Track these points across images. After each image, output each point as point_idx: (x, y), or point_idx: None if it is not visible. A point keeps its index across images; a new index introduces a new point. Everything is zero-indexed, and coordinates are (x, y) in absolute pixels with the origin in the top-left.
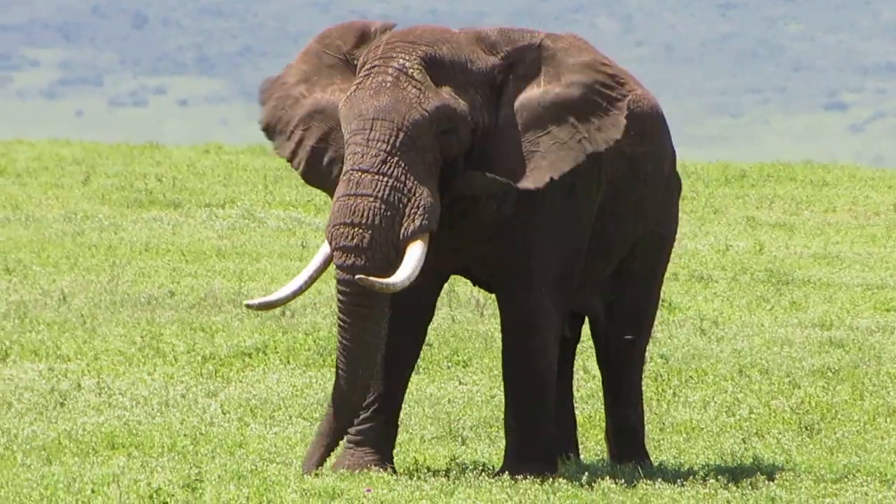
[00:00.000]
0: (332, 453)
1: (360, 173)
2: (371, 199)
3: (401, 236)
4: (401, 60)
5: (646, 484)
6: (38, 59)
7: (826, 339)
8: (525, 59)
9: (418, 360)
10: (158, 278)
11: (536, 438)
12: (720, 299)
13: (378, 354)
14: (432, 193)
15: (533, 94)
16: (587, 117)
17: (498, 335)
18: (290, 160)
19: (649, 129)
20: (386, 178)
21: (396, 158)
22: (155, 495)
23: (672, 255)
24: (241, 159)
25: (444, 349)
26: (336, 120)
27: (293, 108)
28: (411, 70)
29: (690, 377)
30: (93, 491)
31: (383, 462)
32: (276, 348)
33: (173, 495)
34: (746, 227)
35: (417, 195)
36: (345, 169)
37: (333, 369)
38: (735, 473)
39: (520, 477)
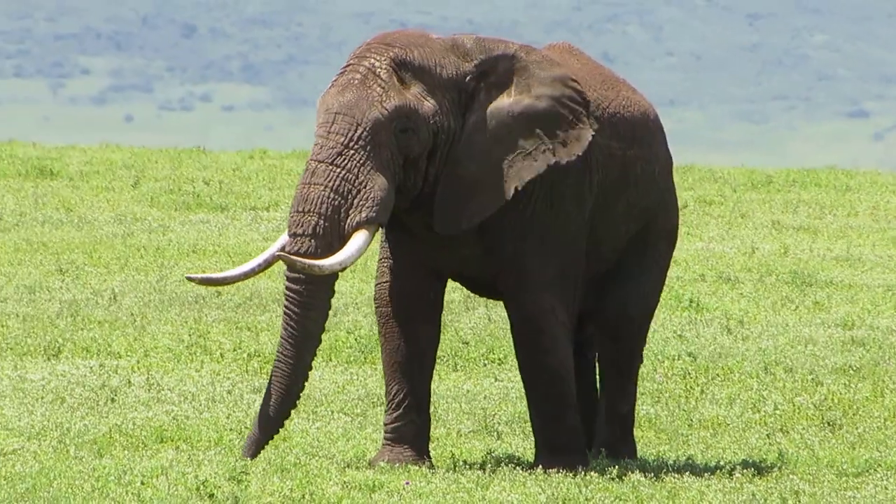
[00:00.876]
0: (273, 439)
1: (316, 163)
2: (322, 187)
3: (346, 226)
4: (372, 60)
5: (674, 477)
6: (90, 66)
7: (848, 339)
8: (498, 68)
9: (456, 358)
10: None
11: (562, 432)
12: (746, 300)
13: (318, 343)
14: (384, 188)
15: (503, 103)
16: (553, 130)
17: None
18: None
19: (639, 133)
20: (338, 170)
21: (352, 152)
22: (202, 487)
23: (702, 258)
24: (284, 164)
25: (480, 347)
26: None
27: None
28: (379, 70)
29: (717, 375)
30: (142, 483)
31: (421, 457)
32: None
33: (220, 487)
34: (772, 230)
35: (368, 188)
36: (307, 161)
37: (373, 366)
38: (760, 467)
39: (553, 470)
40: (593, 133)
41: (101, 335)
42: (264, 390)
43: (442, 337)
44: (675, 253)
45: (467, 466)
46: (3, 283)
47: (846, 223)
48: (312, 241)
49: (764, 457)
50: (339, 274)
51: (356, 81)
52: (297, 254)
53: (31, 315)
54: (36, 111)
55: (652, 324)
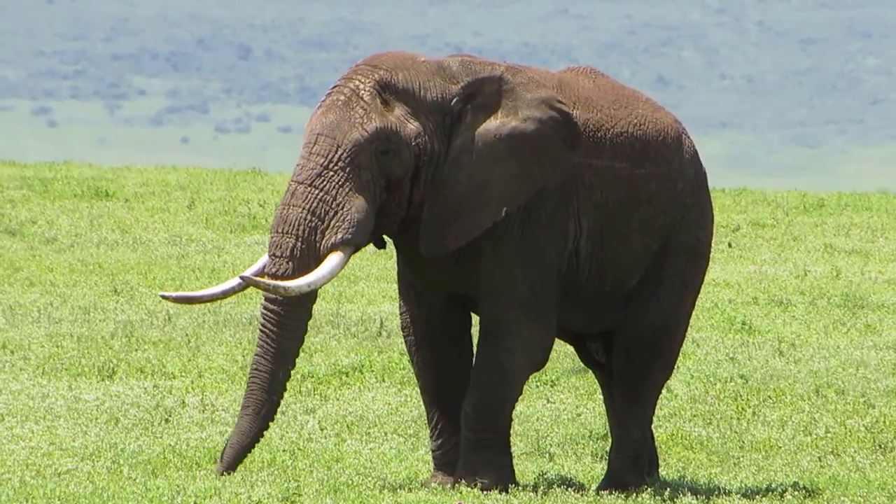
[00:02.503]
0: (248, 454)
1: (296, 184)
2: (300, 209)
3: (321, 247)
4: (357, 82)
5: (725, 500)
6: (146, 87)
7: None
8: (484, 90)
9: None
10: (260, 300)
11: (492, 434)
12: (798, 322)
13: (293, 363)
14: (362, 210)
15: (490, 125)
16: (540, 153)
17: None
18: None
19: (653, 151)
20: (316, 191)
21: (331, 173)
22: None
23: (754, 281)
24: None
25: None
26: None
27: None
28: (363, 92)
29: (769, 397)
30: (195, 503)
31: None
32: (371, 367)
33: None
34: (824, 253)
35: (345, 209)
36: (289, 181)
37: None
38: (811, 490)
39: (476, 469)
40: (580, 156)
41: (156, 356)
42: (240, 413)
43: None
44: (727, 276)
45: (520, 488)
46: (59, 304)
47: None
48: (290, 262)
49: (815, 479)
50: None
51: (340, 103)
52: (275, 275)
53: (85, 336)
54: (92, 132)
55: (703, 346)
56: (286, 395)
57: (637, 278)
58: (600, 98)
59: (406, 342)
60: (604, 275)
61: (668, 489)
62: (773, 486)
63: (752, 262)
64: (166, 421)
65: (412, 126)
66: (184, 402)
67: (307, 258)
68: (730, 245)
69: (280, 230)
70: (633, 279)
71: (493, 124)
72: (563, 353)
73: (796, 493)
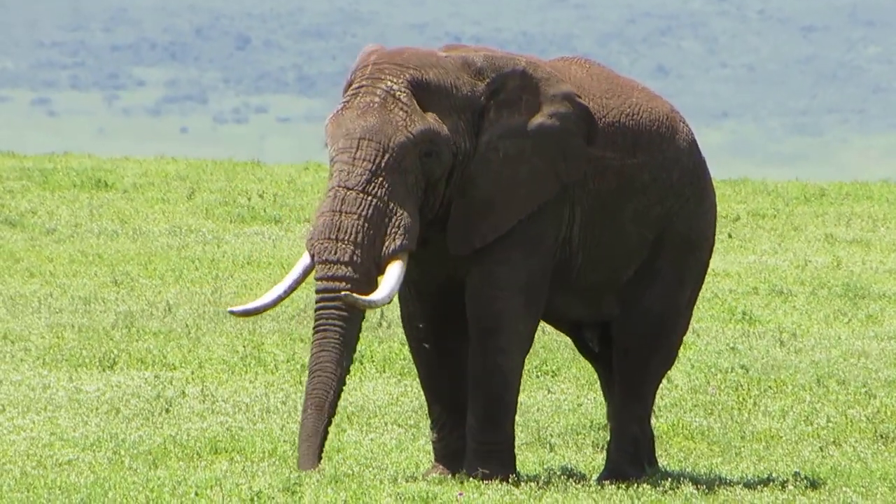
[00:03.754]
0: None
1: (345, 190)
2: (355, 217)
3: (382, 255)
4: (389, 83)
5: (727, 490)
6: (145, 78)
7: None
8: (507, 86)
9: None
10: (260, 290)
11: (497, 439)
12: (799, 312)
13: (353, 352)
14: (412, 214)
15: (515, 122)
16: (563, 149)
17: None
18: None
19: (645, 140)
20: (370, 198)
21: (381, 179)
22: (256, 498)
23: (755, 271)
24: None
25: (533, 359)
26: None
27: None
28: (398, 93)
29: (770, 387)
30: (196, 494)
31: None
32: (372, 358)
33: (273, 498)
34: (825, 243)
35: (398, 215)
36: (329, 185)
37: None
38: (813, 480)
39: (482, 475)
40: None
41: (156, 346)
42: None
43: None
44: (728, 266)
45: (521, 479)
46: (59, 295)
47: None
48: (349, 268)
49: (816, 470)
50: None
51: (376, 104)
52: (331, 281)
53: (86, 326)
54: (91, 123)
55: (704, 336)
56: (286, 385)
57: (633, 269)
58: (592, 87)
59: (407, 334)
60: (598, 264)
61: (669, 479)
62: (775, 476)
63: (753, 252)
64: (167, 411)
65: (448, 126)
66: (184, 393)
67: (367, 265)
68: (730, 235)
69: (333, 236)
70: (628, 269)
71: (519, 121)
72: (563, 343)
73: (798, 483)
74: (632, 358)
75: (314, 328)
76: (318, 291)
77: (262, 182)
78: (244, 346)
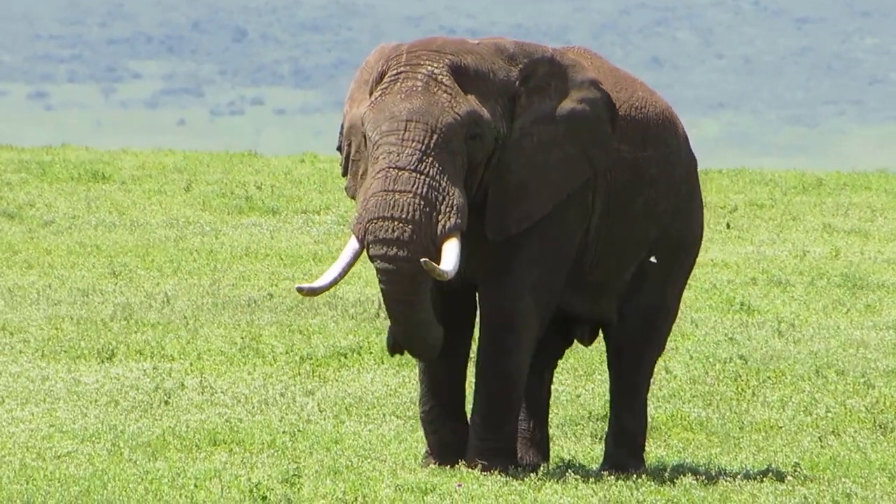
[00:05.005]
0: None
1: (397, 171)
2: (410, 195)
3: (438, 233)
4: (429, 67)
5: (726, 480)
6: (142, 71)
7: None
8: (538, 72)
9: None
10: (257, 282)
11: (500, 435)
12: (797, 303)
13: (432, 317)
14: (463, 195)
15: (546, 107)
16: (594, 135)
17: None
18: (343, 174)
19: (653, 134)
20: (423, 177)
21: (431, 158)
22: (255, 490)
23: (753, 261)
24: (335, 168)
25: None
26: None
27: (343, 125)
28: (440, 76)
29: (769, 377)
30: (195, 486)
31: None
32: (370, 349)
33: (272, 490)
34: (823, 233)
35: (451, 195)
36: (377, 168)
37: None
38: (812, 470)
39: (487, 469)
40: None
41: (155, 338)
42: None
43: None
44: (726, 256)
45: (519, 469)
46: (57, 286)
47: None
48: (406, 247)
49: (815, 460)
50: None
51: (419, 88)
52: (390, 259)
53: (84, 318)
54: (88, 115)
55: (702, 326)
56: (285, 376)
57: (634, 268)
58: (602, 79)
59: None
60: (608, 259)
61: (668, 470)
62: (774, 466)
63: (751, 243)
64: (166, 403)
65: (489, 109)
66: (183, 384)
67: (423, 242)
68: (728, 226)
69: (388, 214)
70: (631, 268)
71: (550, 106)
72: None
73: (797, 473)
74: (626, 356)
75: (388, 310)
76: (379, 273)
77: (259, 174)
78: (242, 338)
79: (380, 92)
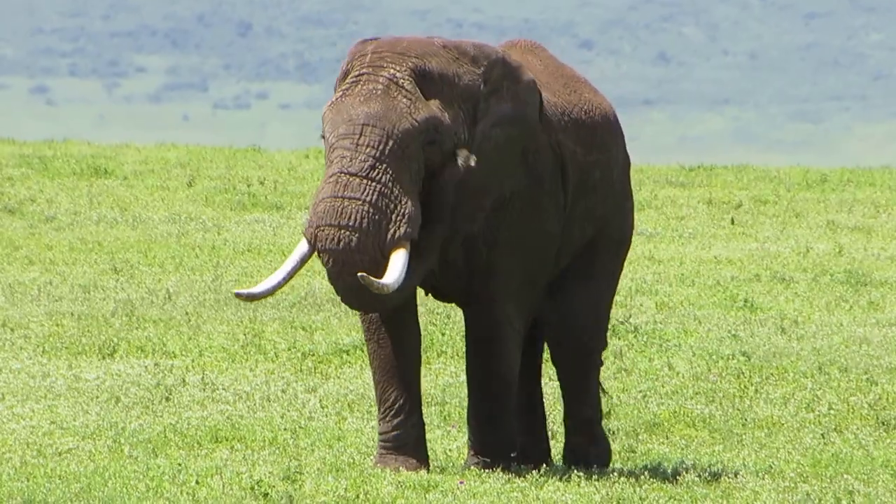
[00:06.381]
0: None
1: (348, 176)
2: (359, 202)
3: (386, 242)
4: (391, 70)
5: (728, 477)
6: (146, 65)
7: None
8: (493, 75)
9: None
10: (260, 278)
11: (497, 436)
12: (801, 299)
13: (409, 289)
14: (415, 203)
15: (501, 110)
16: (535, 137)
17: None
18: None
19: (599, 138)
20: (374, 184)
21: (384, 165)
22: (256, 487)
23: (756, 258)
24: None
25: None
26: None
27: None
28: (402, 80)
29: (771, 374)
30: (197, 482)
31: (425, 463)
32: None
33: (274, 487)
34: (826, 229)
35: (403, 203)
36: (330, 171)
37: (427, 366)
38: (814, 467)
39: (488, 467)
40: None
41: (156, 334)
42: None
43: None
44: (730, 253)
45: (521, 466)
46: (58, 282)
47: None
48: (353, 256)
49: (818, 457)
50: (320, 273)
51: (379, 91)
52: (337, 269)
53: (85, 314)
54: (91, 110)
55: (706, 323)
56: (287, 373)
57: (565, 265)
58: (552, 80)
59: (362, 321)
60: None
61: (671, 466)
62: (776, 463)
63: (755, 239)
64: (167, 400)
65: (450, 114)
66: (184, 381)
67: (371, 252)
68: (732, 222)
69: (336, 223)
70: (562, 266)
71: (504, 108)
72: None
73: (799, 470)
74: (569, 353)
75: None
76: (330, 279)
77: (262, 169)
78: (244, 335)
79: (340, 93)
